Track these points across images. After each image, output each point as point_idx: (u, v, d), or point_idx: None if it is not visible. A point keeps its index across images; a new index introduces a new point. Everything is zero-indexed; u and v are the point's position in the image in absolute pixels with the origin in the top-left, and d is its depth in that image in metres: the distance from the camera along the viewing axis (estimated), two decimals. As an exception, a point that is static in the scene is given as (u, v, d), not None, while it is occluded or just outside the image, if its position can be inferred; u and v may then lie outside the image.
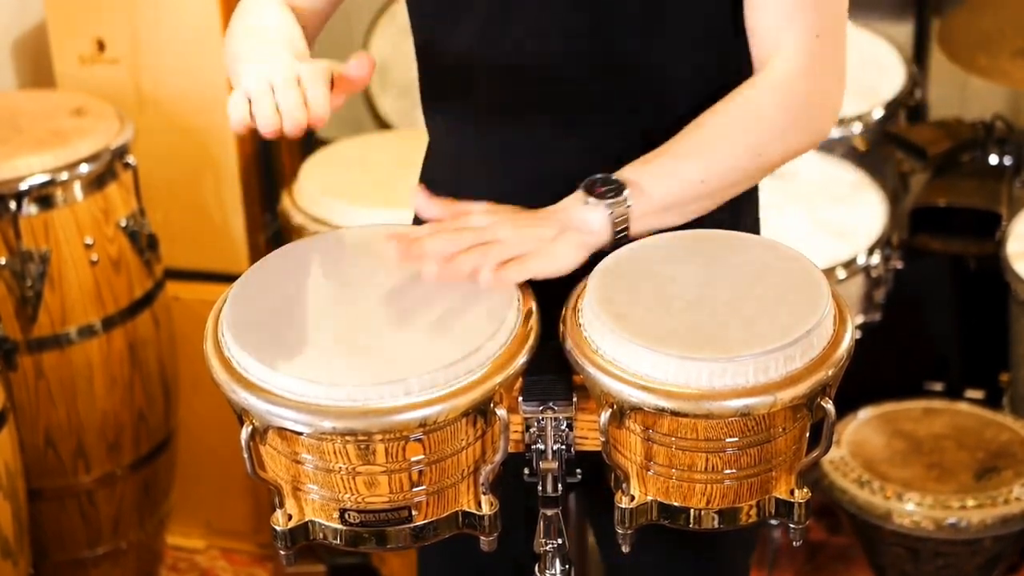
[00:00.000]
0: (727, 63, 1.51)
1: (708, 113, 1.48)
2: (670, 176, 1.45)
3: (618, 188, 1.42)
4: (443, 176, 1.63)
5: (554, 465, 1.39)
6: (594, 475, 1.43)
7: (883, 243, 2.65)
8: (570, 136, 1.52)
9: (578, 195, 1.44)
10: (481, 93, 1.55)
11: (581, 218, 1.43)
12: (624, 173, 1.45)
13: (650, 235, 1.46)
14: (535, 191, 1.48)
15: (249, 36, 1.51)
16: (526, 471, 1.41)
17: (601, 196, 1.42)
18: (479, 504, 1.36)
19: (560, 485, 1.40)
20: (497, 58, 1.52)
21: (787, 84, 1.47)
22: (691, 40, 1.50)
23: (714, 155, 1.46)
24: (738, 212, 1.58)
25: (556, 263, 1.41)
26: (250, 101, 1.35)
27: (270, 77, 1.36)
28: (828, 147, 2.88)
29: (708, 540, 1.64)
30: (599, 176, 1.44)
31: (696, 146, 1.46)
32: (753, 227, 1.65)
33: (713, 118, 1.47)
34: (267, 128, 1.34)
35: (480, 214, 1.44)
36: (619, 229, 1.43)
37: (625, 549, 1.38)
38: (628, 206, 1.42)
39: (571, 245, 1.41)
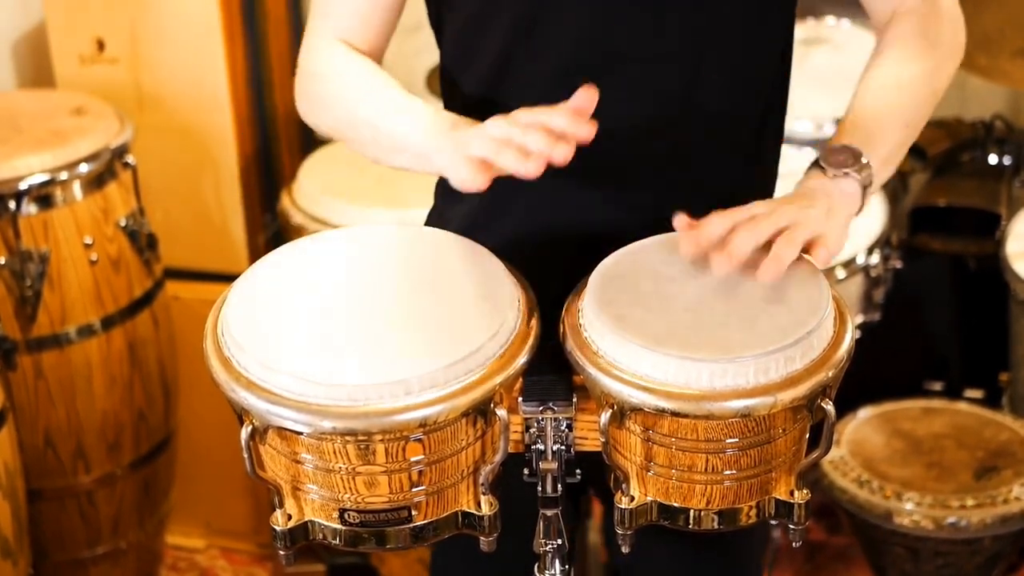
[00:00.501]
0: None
1: (878, 62, 1.51)
2: (882, 133, 1.45)
3: (856, 153, 1.42)
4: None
5: (554, 465, 1.38)
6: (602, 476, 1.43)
7: (883, 243, 2.65)
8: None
9: (820, 171, 1.43)
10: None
11: (840, 191, 1.41)
12: (843, 140, 1.45)
13: (650, 236, 1.46)
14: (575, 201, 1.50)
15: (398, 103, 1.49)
16: (526, 471, 1.41)
17: (842, 164, 1.42)
18: (479, 504, 1.36)
19: (560, 485, 1.40)
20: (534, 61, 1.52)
21: (933, 14, 1.52)
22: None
23: (907, 99, 1.49)
24: None
25: (839, 242, 1.39)
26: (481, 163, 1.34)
27: (487, 133, 1.35)
28: (828, 147, 2.88)
29: (724, 539, 1.63)
30: (830, 147, 1.44)
31: (890, 94, 1.48)
32: None
33: (889, 64, 1.50)
34: (533, 169, 1.32)
35: (756, 206, 1.40)
36: (867, 195, 1.43)
37: (625, 550, 1.38)
38: (871, 168, 1.41)
39: (843, 221, 1.40)
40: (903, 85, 1.50)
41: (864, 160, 1.43)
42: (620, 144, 1.48)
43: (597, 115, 1.49)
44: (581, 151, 1.51)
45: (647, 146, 1.51)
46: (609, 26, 1.48)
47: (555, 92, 1.49)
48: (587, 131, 1.34)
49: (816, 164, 1.45)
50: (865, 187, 1.43)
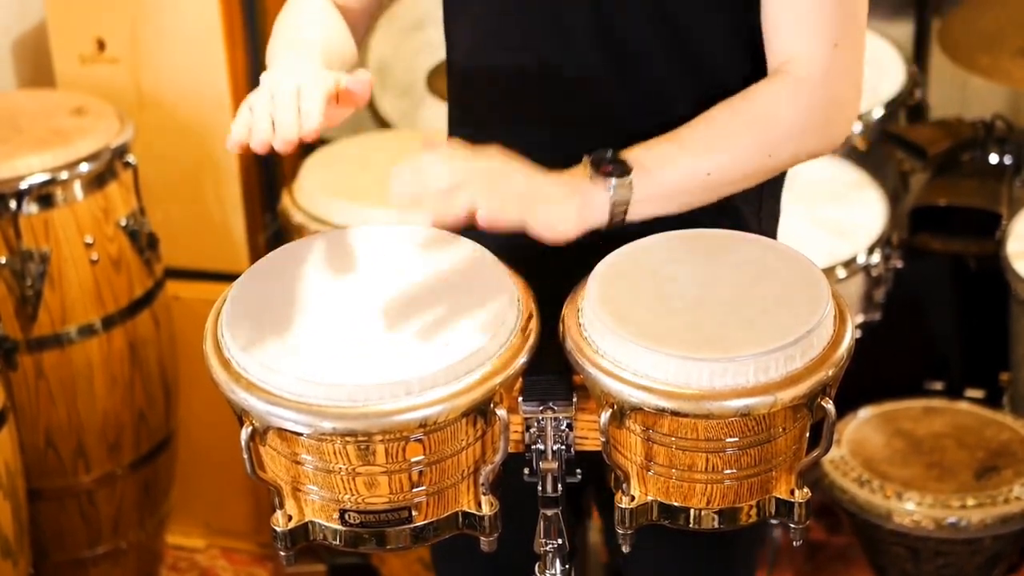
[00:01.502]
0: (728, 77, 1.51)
1: (722, 107, 1.46)
2: (678, 164, 1.43)
3: (624, 169, 1.40)
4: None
5: (554, 465, 1.38)
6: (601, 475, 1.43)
7: (883, 242, 2.65)
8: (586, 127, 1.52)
9: (584, 169, 1.41)
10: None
11: (586, 191, 1.40)
12: (632, 153, 1.42)
13: (651, 234, 1.46)
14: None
15: (285, 41, 1.53)
16: (526, 471, 1.41)
17: (607, 175, 1.40)
18: (479, 504, 1.36)
19: (560, 485, 1.40)
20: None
21: (805, 89, 1.45)
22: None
23: (725, 150, 1.44)
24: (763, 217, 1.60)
25: (556, 227, 1.38)
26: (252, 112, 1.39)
27: (272, 88, 1.39)
28: (828, 146, 2.87)
29: (719, 537, 1.63)
30: (607, 154, 1.41)
31: (709, 139, 1.44)
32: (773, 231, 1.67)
33: (727, 113, 1.45)
34: (257, 143, 1.37)
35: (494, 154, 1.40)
36: (618, 211, 1.41)
37: (625, 549, 1.38)
38: (631, 190, 1.39)
39: (572, 212, 1.39)
40: (731, 136, 1.45)
41: (628, 180, 1.39)
42: (628, 141, 1.48)
43: (606, 111, 1.49)
44: (585, 149, 1.52)
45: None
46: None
47: (532, 65, 1.50)
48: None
49: (588, 161, 1.42)
50: (618, 206, 1.40)
